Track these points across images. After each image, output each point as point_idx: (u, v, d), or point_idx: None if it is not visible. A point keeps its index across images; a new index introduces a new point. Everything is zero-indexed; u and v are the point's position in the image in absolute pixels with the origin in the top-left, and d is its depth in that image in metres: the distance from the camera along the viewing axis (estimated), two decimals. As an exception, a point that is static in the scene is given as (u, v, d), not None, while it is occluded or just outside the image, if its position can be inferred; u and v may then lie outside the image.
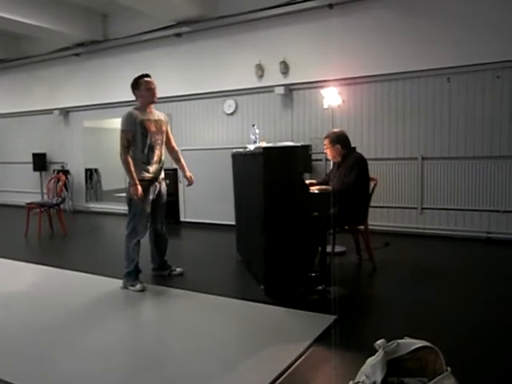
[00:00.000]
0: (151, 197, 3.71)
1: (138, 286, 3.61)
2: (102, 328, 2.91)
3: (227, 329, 2.89)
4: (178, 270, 4.06)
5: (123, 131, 3.58)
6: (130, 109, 3.68)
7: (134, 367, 2.38)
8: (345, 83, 5.75)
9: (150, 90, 3.67)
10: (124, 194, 3.96)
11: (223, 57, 6.72)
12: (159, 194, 3.82)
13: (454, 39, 5.13)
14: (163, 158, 3.83)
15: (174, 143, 4.03)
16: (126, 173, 3.59)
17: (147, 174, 3.66)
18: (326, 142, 4.04)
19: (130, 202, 3.65)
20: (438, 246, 5.07)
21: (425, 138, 5.49)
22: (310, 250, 3.51)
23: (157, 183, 3.77)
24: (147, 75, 3.72)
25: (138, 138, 3.61)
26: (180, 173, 6.59)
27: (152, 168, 3.70)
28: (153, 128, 3.67)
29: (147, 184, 3.66)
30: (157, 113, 3.80)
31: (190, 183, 4.10)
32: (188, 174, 4.08)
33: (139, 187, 3.55)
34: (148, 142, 3.64)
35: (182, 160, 4.09)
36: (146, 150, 3.64)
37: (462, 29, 5.09)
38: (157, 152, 3.72)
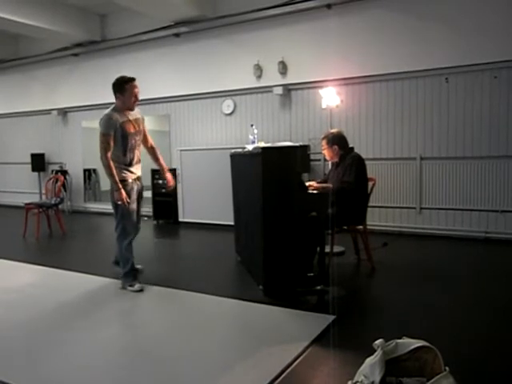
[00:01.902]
0: (135, 196, 3.70)
1: (137, 286, 3.61)
2: (100, 328, 2.91)
3: (226, 329, 2.89)
4: (138, 266, 3.96)
5: (104, 135, 3.49)
6: (107, 111, 3.58)
7: (131, 367, 2.38)
8: (343, 83, 5.75)
9: (135, 97, 3.59)
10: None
11: (221, 57, 6.72)
12: (139, 192, 3.82)
13: (452, 39, 5.14)
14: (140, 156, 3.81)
15: (151, 141, 3.92)
16: (109, 177, 3.53)
17: (130, 174, 3.65)
18: (324, 142, 4.04)
19: (115, 204, 3.60)
20: (436, 245, 5.07)
21: (423, 137, 5.49)
22: (308, 250, 3.51)
23: (138, 182, 3.77)
24: (134, 79, 3.60)
25: (118, 141, 3.55)
26: (178, 172, 6.62)
27: (133, 168, 3.69)
28: (132, 129, 3.62)
29: (131, 184, 3.65)
30: (133, 111, 3.70)
31: (170, 186, 3.95)
32: (168, 174, 3.91)
33: (123, 192, 3.52)
34: (129, 145, 3.60)
35: (161, 159, 3.96)
36: (127, 153, 3.61)
37: (459, 29, 5.10)
38: (136, 153, 3.70)
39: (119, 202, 3.52)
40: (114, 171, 3.51)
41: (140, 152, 3.77)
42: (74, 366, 2.38)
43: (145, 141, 3.85)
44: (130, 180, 3.64)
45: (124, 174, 3.60)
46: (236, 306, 3.25)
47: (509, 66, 4.94)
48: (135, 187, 3.69)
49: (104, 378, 2.27)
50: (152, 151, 3.93)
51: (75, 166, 8.67)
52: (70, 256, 5.17)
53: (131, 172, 3.66)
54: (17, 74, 9.21)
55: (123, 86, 3.56)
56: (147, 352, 2.54)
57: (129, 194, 3.58)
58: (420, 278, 3.82)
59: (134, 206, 3.66)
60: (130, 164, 3.65)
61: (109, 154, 3.50)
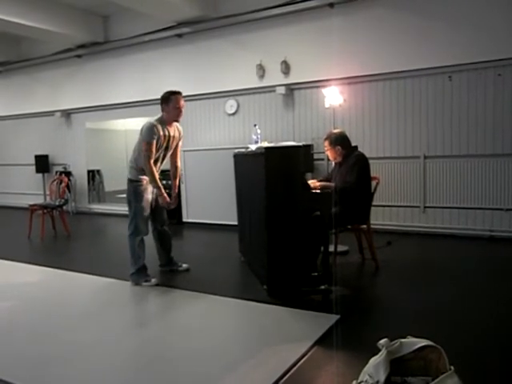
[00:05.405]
0: (150, 196, 3.83)
1: (154, 280, 3.75)
2: (104, 328, 2.92)
3: (230, 329, 2.90)
4: (184, 266, 4.16)
5: (148, 143, 3.60)
6: (152, 120, 3.68)
7: (135, 367, 2.39)
8: (346, 82, 5.74)
9: (178, 109, 3.71)
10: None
11: (224, 57, 6.72)
12: (156, 195, 3.91)
13: (456, 37, 5.11)
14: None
15: (179, 160, 4.01)
16: (153, 183, 3.70)
17: (145, 177, 3.77)
18: (326, 143, 4.04)
19: (129, 202, 3.77)
20: (440, 244, 5.06)
21: (427, 136, 5.48)
22: (312, 250, 3.50)
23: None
24: (179, 92, 3.73)
25: None
26: (182, 173, 6.63)
27: None
28: (165, 144, 3.75)
29: (145, 185, 3.78)
30: (174, 128, 3.83)
31: (169, 203, 3.83)
32: (174, 195, 3.93)
33: (166, 196, 3.72)
34: (154, 157, 3.71)
35: (178, 180, 4.02)
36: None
37: (463, 27, 5.07)
38: (158, 164, 3.81)
39: (165, 206, 3.77)
40: (157, 177, 3.68)
41: (161, 165, 3.88)
42: (78, 368, 2.39)
43: (174, 156, 3.95)
44: (145, 182, 3.78)
45: (140, 176, 3.75)
46: (240, 306, 3.25)
47: (512, 63, 4.92)
48: (149, 188, 3.81)
49: (107, 378, 2.27)
50: (175, 169, 4.00)
51: (79, 168, 8.70)
52: (75, 257, 5.19)
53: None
54: (20, 76, 9.23)
55: (169, 97, 3.70)
56: (151, 351, 2.55)
57: (141, 194, 3.75)
58: (424, 277, 3.81)
59: (147, 204, 3.79)
60: None
61: (152, 161, 3.64)
